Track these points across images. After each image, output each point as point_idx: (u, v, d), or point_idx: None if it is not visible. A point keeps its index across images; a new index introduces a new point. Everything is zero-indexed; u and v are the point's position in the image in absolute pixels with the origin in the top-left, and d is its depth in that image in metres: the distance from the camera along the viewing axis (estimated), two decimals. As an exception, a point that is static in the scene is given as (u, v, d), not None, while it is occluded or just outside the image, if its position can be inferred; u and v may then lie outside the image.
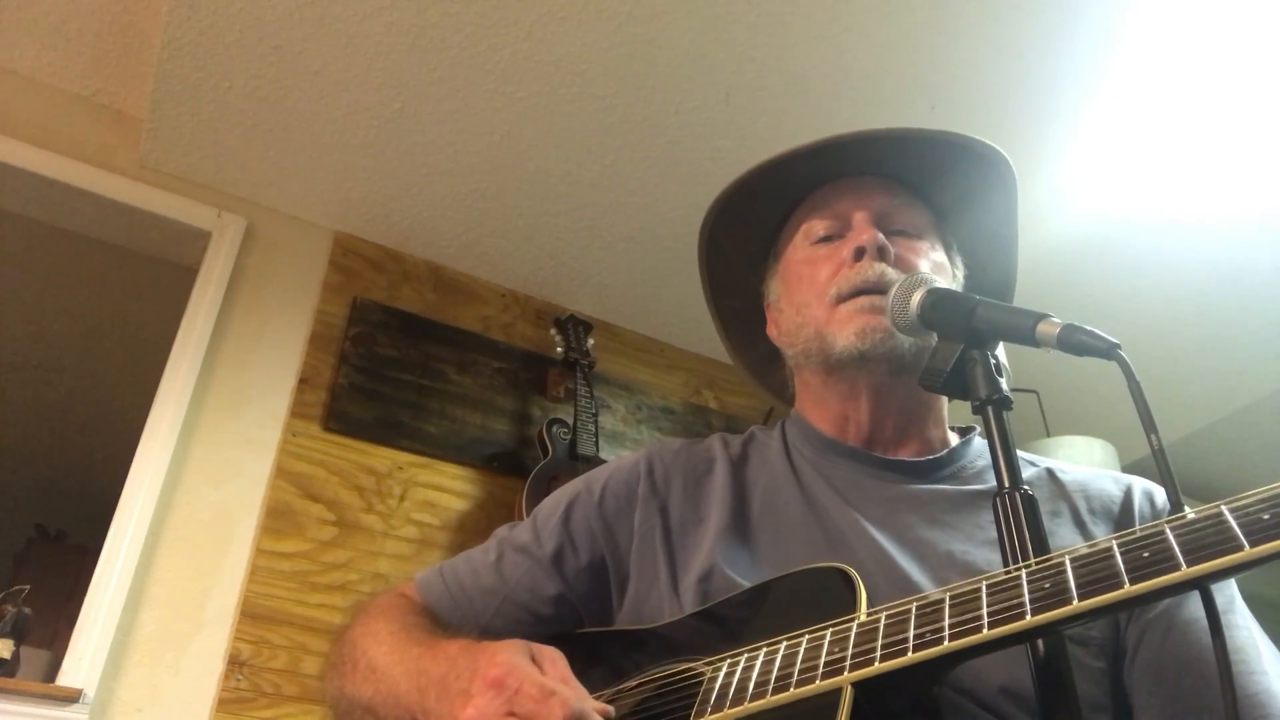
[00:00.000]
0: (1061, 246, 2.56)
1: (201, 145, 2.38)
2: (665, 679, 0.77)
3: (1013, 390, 0.75)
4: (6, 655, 2.04)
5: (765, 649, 0.70)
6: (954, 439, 0.97)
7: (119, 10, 2.21)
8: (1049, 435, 2.93)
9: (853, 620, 0.67)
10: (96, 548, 2.04)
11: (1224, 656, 0.56)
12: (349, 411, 2.42)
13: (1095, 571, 0.57)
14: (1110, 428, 2.87)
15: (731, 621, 0.79)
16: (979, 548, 0.83)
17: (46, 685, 1.88)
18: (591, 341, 2.75)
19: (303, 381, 2.41)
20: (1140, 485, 0.88)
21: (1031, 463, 0.92)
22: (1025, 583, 0.60)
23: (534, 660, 0.71)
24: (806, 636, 0.68)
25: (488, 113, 2.26)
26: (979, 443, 0.96)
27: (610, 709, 0.67)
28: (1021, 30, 2.03)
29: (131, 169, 2.41)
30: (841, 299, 0.92)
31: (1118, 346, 0.67)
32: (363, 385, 2.47)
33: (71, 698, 1.85)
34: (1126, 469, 2.61)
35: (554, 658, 0.72)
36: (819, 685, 0.63)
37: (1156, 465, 0.62)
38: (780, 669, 0.67)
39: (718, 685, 0.70)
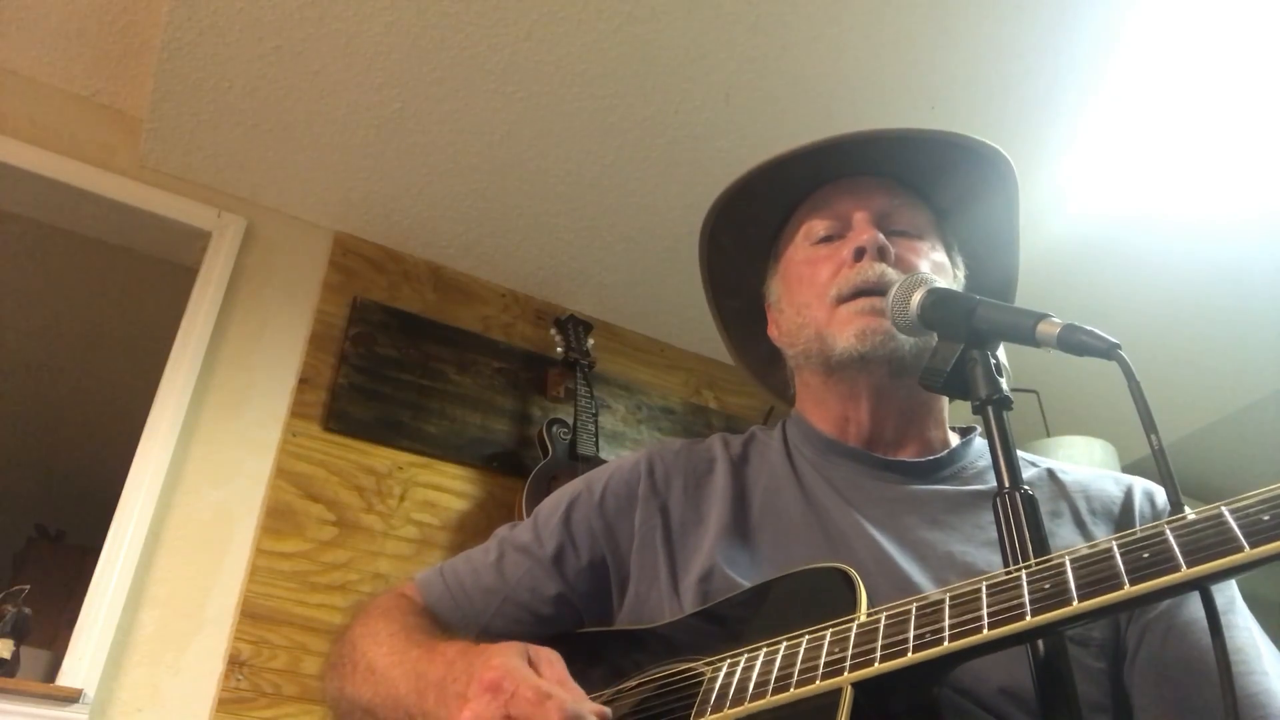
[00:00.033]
0: (1061, 246, 2.56)
1: (201, 145, 2.38)
2: (665, 679, 0.77)
3: (1013, 390, 0.75)
4: (6, 655, 2.04)
5: (765, 649, 0.70)
6: (954, 439, 0.97)
7: (119, 10, 2.21)
8: (1049, 435, 2.93)
9: (853, 621, 0.67)
10: (96, 548, 2.04)
11: (1224, 657, 0.56)
12: (349, 411, 2.42)
13: (1095, 572, 0.57)
14: (1110, 428, 2.87)
15: (731, 621, 0.79)
16: (979, 548, 0.83)
17: (46, 685, 1.89)
18: (591, 341, 2.75)
19: (303, 381, 2.41)
20: (1141, 486, 0.88)
21: (1032, 463, 0.92)
22: (1025, 583, 0.60)
23: (531, 662, 0.71)
24: (806, 637, 0.68)
25: (488, 113, 2.26)
26: (979, 443, 0.96)
27: (608, 710, 0.67)
28: (1021, 30, 2.03)
29: (131, 169, 2.41)
30: (842, 300, 0.92)
31: (1118, 346, 0.67)
32: (363, 385, 2.47)
33: (71, 698, 1.85)
34: (1126, 469, 2.61)
35: (551, 659, 0.72)
36: (819, 685, 0.63)
37: (1156, 465, 0.62)
38: (780, 669, 0.67)
39: (718, 685, 0.70)
